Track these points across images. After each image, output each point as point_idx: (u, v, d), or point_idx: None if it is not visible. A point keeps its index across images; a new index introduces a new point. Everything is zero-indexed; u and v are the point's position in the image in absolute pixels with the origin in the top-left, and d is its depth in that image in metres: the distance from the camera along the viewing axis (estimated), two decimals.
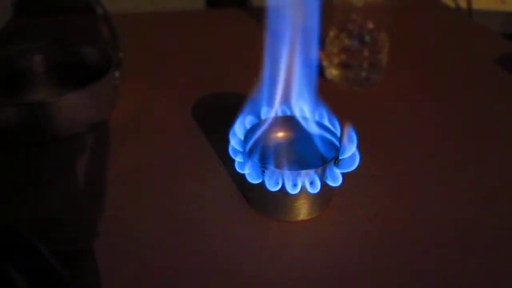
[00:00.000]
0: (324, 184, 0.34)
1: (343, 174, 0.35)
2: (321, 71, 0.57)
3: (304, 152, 0.37)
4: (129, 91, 0.53)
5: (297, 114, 0.38)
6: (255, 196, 0.37)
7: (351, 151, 0.35)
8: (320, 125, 0.38)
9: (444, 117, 0.50)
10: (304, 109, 0.38)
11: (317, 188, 0.33)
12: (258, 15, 0.78)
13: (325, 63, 0.57)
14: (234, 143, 0.36)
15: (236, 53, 0.66)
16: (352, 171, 0.35)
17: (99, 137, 0.47)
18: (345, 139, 0.35)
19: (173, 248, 0.34)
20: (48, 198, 0.39)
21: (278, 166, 0.34)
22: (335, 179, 0.34)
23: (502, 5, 0.96)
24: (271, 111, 0.38)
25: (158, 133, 0.48)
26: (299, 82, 0.36)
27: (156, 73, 0.60)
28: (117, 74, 0.50)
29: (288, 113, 0.39)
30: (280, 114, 0.39)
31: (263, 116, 0.38)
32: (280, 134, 0.39)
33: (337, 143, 0.36)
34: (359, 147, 0.35)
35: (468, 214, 0.37)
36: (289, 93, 0.37)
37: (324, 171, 0.34)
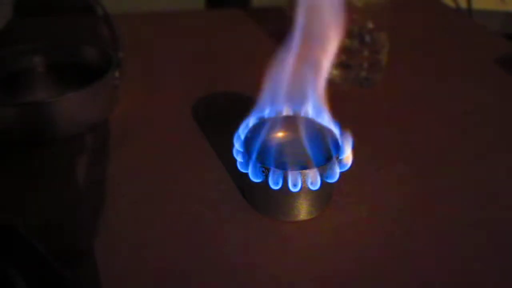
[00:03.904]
0: (324, 183, 0.34)
1: (341, 173, 0.35)
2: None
3: (304, 151, 0.37)
4: (129, 91, 0.53)
5: (299, 114, 0.38)
6: (255, 196, 0.37)
7: (347, 151, 0.35)
8: (320, 125, 0.38)
9: (444, 117, 0.50)
10: (306, 110, 0.38)
11: (317, 186, 0.33)
12: (258, 15, 0.78)
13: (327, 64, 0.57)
14: (237, 145, 0.36)
15: (236, 53, 0.66)
16: (352, 171, 0.35)
17: (99, 137, 0.47)
18: (342, 141, 0.36)
19: (173, 248, 0.34)
20: (48, 198, 0.39)
21: (279, 165, 0.34)
22: (333, 177, 0.34)
23: (502, 5, 0.96)
24: (273, 112, 0.38)
25: (158, 133, 0.48)
26: (305, 83, 0.36)
27: (156, 73, 0.60)
28: (117, 74, 0.50)
29: (290, 113, 0.39)
30: (281, 114, 0.39)
31: (264, 117, 0.38)
32: (280, 134, 0.39)
33: (336, 142, 0.36)
34: (359, 147, 0.35)
35: (468, 214, 0.37)
36: (293, 94, 0.37)
37: (325, 169, 0.34)
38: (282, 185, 0.33)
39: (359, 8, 0.53)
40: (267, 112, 0.38)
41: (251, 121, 0.38)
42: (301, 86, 0.36)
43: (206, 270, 0.32)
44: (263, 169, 0.34)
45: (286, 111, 0.39)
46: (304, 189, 0.34)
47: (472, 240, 0.35)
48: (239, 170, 0.35)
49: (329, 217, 0.37)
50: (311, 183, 0.33)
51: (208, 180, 0.41)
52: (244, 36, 0.72)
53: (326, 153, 0.36)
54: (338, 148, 0.35)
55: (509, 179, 0.41)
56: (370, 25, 0.54)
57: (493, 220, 0.36)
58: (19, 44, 0.54)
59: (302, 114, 0.39)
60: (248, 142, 0.36)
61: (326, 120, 0.38)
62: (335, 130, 0.37)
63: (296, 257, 0.33)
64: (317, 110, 0.38)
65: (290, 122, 0.39)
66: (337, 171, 0.34)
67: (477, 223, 0.36)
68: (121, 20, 0.57)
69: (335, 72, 0.56)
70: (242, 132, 0.37)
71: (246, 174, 0.35)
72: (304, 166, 0.35)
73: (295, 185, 0.33)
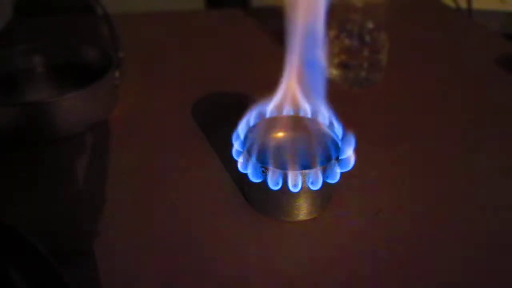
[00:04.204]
0: (324, 183, 0.34)
1: (342, 174, 0.35)
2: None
3: (304, 151, 0.37)
4: (129, 91, 0.53)
5: (301, 114, 0.38)
6: (255, 196, 0.37)
7: (349, 152, 0.35)
8: (320, 125, 0.38)
9: (444, 117, 0.50)
10: (307, 109, 0.38)
11: (318, 186, 0.33)
12: (258, 15, 0.78)
13: (325, 63, 0.57)
14: (236, 145, 0.36)
15: (236, 53, 0.66)
16: (352, 171, 0.35)
17: (99, 137, 0.47)
18: (344, 141, 0.35)
19: (173, 248, 0.34)
20: (48, 198, 0.39)
21: (279, 165, 0.34)
22: (334, 177, 0.34)
23: (502, 5, 0.96)
24: (273, 111, 0.38)
25: (158, 133, 0.48)
26: (307, 83, 0.36)
27: (156, 73, 0.60)
28: (117, 74, 0.50)
29: (290, 113, 0.39)
30: (281, 114, 0.39)
31: (264, 116, 0.38)
32: (280, 134, 0.39)
33: (337, 143, 0.36)
34: (359, 147, 0.35)
35: (468, 213, 0.37)
36: (295, 94, 0.37)
37: (325, 170, 0.34)
38: (282, 185, 0.33)
39: (359, 8, 0.53)
40: (267, 112, 0.38)
41: (250, 120, 0.38)
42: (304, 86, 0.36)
43: (206, 269, 0.32)
44: (263, 169, 0.34)
45: (286, 111, 0.39)
46: (304, 189, 0.34)
47: (473, 241, 0.35)
48: (239, 170, 0.35)
49: (329, 217, 0.37)
50: (312, 183, 0.33)
51: (208, 180, 0.41)
52: (244, 36, 0.72)
53: (327, 153, 0.36)
54: (338, 148, 0.35)
55: (509, 181, 0.41)
56: (370, 25, 0.54)
57: (494, 219, 0.36)
58: (19, 44, 0.54)
59: (303, 114, 0.39)
60: (248, 142, 0.36)
61: (328, 120, 0.38)
62: (336, 130, 0.37)
63: (296, 257, 0.33)
64: (319, 110, 0.38)
65: (290, 122, 0.39)
66: (338, 171, 0.34)
67: (479, 224, 0.36)
68: (121, 20, 0.57)
69: (335, 72, 0.56)
70: (241, 132, 0.37)
71: (246, 174, 0.35)
72: (304, 166, 0.35)
73: (295, 186, 0.33)
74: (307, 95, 0.37)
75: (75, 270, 0.32)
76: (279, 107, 0.38)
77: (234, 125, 0.38)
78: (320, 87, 0.36)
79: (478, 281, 0.32)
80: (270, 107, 0.38)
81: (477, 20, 0.83)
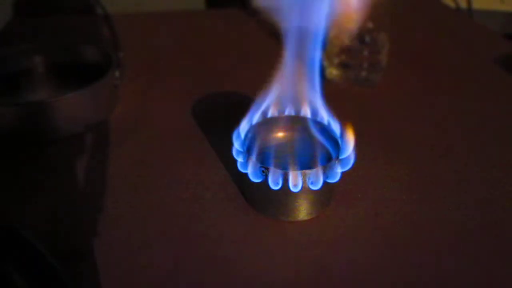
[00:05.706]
0: (324, 183, 0.34)
1: (342, 173, 0.35)
2: (321, 71, 0.57)
3: (304, 151, 0.37)
4: (129, 91, 0.53)
5: (299, 114, 0.38)
6: (255, 196, 0.37)
7: (348, 152, 0.35)
8: (320, 125, 0.38)
9: (444, 117, 0.50)
10: (306, 109, 0.38)
11: (318, 186, 0.33)
12: (258, 15, 0.78)
13: (325, 63, 0.57)
14: (236, 145, 0.36)
15: (236, 53, 0.66)
16: (352, 171, 0.35)
17: (99, 137, 0.47)
18: (344, 141, 0.36)
19: (173, 248, 0.34)
20: (47, 198, 0.39)
21: (279, 165, 0.34)
22: (334, 177, 0.34)
23: (502, 5, 0.96)
24: (273, 111, 0.38)
25: (158, 133, 0.48)
26: (304, 83, 0.36)
27: (156, 73, 0.60)
28: (117, 74, 0.50)
29: (290, 113, 0.39)
30: (281, 114, 0.39)
31: (264, 116, 0.38)
32: (280, 134, 0.39)
33: (337, 142, 0.36)
34: (359, 147, 0.35)
35: (468, 214, 0.37)
36: (293, 94, 0.37)
37: (326, 169, 0.34)
38: (282, 185, 0.33)
39: (359, 8, 0.53)
40: (267, 112, 0.38)
41: (251, 120, 0.38)
42: (302, 86, 0.36)
43: (206, 270, 0.32)
44: (263, 169, 0.34)
45: (287, 111, 0.39)
46: (305, 189, 0.34)
47: (472, 240, 0.35)
48: (239, 170, 0.35)
49: (329, 217, 0.37)
50: (312, 183, 0.33)
51: (208, 180, 0.41)
52: (244, 36, 0.72)
53: (327, 153, 0.36)
54: (338, 148, 0.35)
55: (508, 179, 0.41)
56: (370, 25, 0.54)
57: (495, 220, 0.36)
58: (19, 44, 0.54)
59: (303, 113, 0.39)
60: (248, 142, 0.36)
61: (327, 120, 0.38)
62: (336, 130, 0.37)
63: (296, 257, 0.33)
64: (318, 110, 0.38)
65: (290, 122, 0.39)
66: (338, 171, 0.34)
67: (481, 224, 0.36)
68: (121, 20, 0.57)
69: (335, 72, 0.56)
70: (242, 131, 0.37)
71: (246, 174, 0.35)
72: (304, 166, 0.35)
73: (295, 185, 0.33)
74: (305, 94, 0.37)
75: (75, 270, 0.32)
76: (278, 107, 0.38)
77: (234, 124, 0.38)
78: (317, 86, 0.36)
79: (477, 282, 0.32)
80: (269, 106, 0.38)
81: (477, 20, 0.83)
